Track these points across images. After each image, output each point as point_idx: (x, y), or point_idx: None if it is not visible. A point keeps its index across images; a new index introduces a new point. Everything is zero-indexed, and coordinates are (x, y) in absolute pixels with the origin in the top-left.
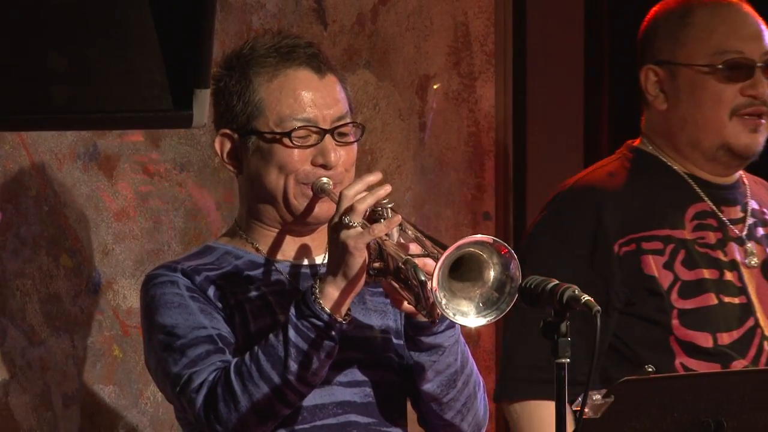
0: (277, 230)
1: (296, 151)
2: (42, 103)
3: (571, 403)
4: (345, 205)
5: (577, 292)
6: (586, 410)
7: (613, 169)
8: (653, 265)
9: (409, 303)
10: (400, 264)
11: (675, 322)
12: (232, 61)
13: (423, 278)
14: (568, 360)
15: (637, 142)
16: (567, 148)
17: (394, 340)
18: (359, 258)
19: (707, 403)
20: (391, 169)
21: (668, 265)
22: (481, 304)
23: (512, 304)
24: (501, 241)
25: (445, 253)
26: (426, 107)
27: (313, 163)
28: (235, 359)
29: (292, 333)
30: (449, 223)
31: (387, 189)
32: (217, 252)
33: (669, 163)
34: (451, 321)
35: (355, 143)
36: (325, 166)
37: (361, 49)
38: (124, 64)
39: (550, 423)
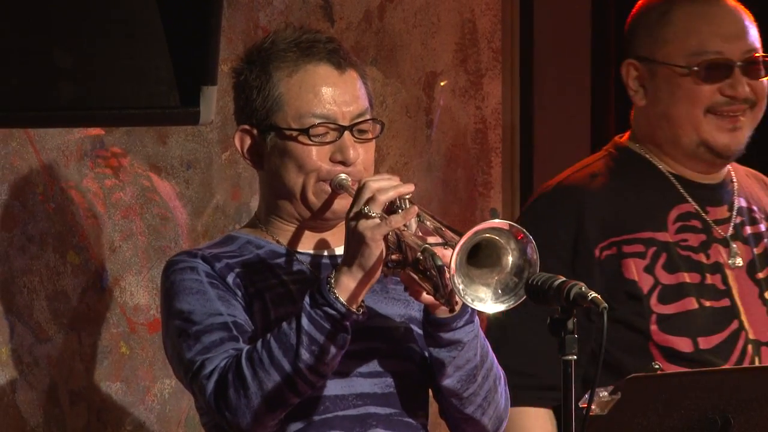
0: (295, 225)
1: (315, 149)
2: (49, 101)
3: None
4: (365, 195)
5: (584, 289)
6: (593, 407)
7: (597, 170)
8: (634, 269)
9: (427, 293)
10: (418, 254)
11: (654, 327)
12: (252, 54)
13: (441, 264)
14: (575, 357)
15: (625, 138)
16: (574, 144)
17: (417, 330)
18: (376, 249)
19: (714, 400)
20: (398, 166)
21: (649, 269)
22: (499, 290)
23: None
24: (517, 226)
25: (462, 239)
26: (433, 104)
27: (332, 160)
28: (248, 346)
29: (305, 321)
30: (456, 220)
31: (410, 187)
32: (239, 241)
33: (654, 162)
34: (470, 316)
35: (374, 141)
36: (344, 163)
37: (368, 46)
38: (130, 62)
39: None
